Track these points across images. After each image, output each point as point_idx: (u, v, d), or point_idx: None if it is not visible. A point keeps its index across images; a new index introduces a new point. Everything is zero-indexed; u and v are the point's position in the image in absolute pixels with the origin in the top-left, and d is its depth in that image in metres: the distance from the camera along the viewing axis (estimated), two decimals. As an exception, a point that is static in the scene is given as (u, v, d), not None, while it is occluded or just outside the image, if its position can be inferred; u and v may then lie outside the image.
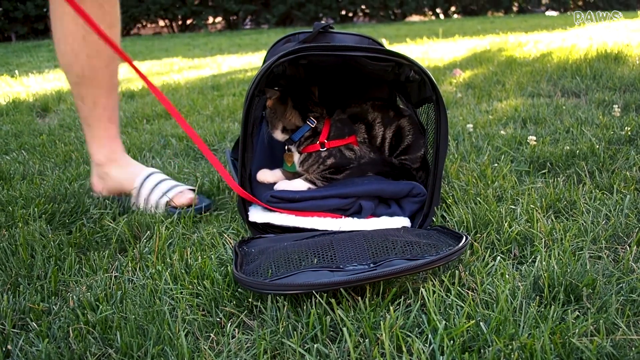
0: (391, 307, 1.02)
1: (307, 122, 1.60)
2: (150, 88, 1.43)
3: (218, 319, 1.07)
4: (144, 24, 14.30)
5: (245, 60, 6.38)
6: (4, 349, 0.99)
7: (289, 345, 0.96)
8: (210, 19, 15.09)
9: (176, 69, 5.80)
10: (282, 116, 1.60)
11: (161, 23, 14.62)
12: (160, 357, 0.95)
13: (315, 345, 0.94)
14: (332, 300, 1.03)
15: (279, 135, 1.63)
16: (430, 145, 1.58)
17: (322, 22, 1.59)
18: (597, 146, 1.87)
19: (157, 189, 1.66)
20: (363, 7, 15.98)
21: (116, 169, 1.71)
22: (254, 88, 1.40)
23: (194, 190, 1.69)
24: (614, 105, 2.45)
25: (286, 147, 1.67)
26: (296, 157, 1.65)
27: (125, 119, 3.05)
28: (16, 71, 5.91)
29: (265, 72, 1.39)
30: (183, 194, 1.65)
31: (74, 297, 1.14)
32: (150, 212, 1.62)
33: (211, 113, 3.14)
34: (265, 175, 1.68)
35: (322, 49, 1.38)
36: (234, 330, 1.03)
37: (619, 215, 1.38)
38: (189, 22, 14.40)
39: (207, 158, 1.44)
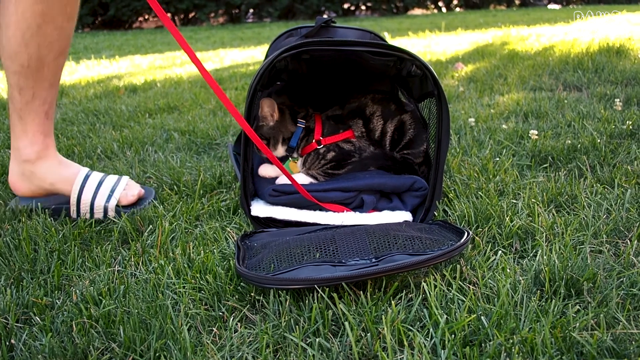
0: (392, 302, 1.02)
1: (298, 125, 1.62)
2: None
3: (220, 314, 1.07)
4: (146, 17, 14.29)
5: (248, 54, 6.37)
6: (7, 343, 1.00)
7: (291, 340, 0.96)
8: (213, 13, 15.06)
9: (178, 62, 5.80)
10: (284, 128, 1.61)
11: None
12: (163, 351, 0.95)
13: (317, 340, 0.95)
14: (334, 295, 1.04)
15: (280, 151, 1.64)
16: (432, 140, 1.58)
17: (325, 16, 1.61)
18: (599, 140, 1.87)
19: (100, 192, 1.60)
20: (365, 0, 15.95)
21: (45, 168, 1.60)
22: (257, 82, 1.40)
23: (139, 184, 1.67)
24: (615, 99, 2.45)
25: (290, 158, 1.68)
26: (299, 162, 1.66)
27: (127, 113, 3.05)
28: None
29: (267, 67, 1.39)
30: (128, 192, 1.62)
31: (77, 291, 1.14)
32: (96, 217, 1.59)
33: (213, 107, 3.14)
34: (267, 170, 1.68)
35: (324, 44, 1.38)
36: (237, 324, 1.04)
37: (620, 210, 1.38)
38: (191, 15, 14.38)
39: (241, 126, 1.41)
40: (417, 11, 16.17)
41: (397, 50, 1.40)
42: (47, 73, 1.52)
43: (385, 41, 1.58)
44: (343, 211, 1.49)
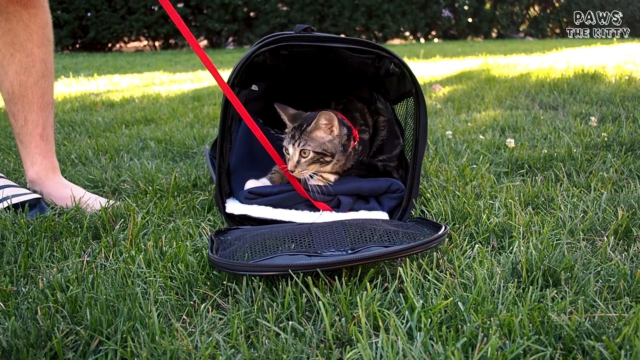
0: (368, 287, 1.00)
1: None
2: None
3: (192, 302, 1.04)
4: (127, 41, 14.26)
5: (226, 76, 6.36)
6: (-33, 327, 0.95)
7: (264, 324, 0.94)
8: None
9: (157, 82, 5.77)
10: None
11: (144, 41, 14.60)
12: (130, 333, 0.92)
13: (290, 323, 0.92)
14: (309, 279, 1.01)
15: None
16: (409, 141, 1.57)
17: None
18: (575, 150, 1.89)
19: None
20: (344, 31, 16.15)
21: (49, 188, 1.67)
22: (234, 77, 1.40)
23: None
24: (590, 117, 2.48)
25: None
26: None
27: (104, 124, 3.01)
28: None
29: (246, 61, 1.38)
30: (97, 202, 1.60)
31: (44, 279, 1.10)
32: None
33: (191, 120, 3.12)
34: (253, 185, 1.64)
35: (303, 39, 1.38)
36: (207, 311, 1.00)
37: (597, 210, 1.38)
38: (171, 41, 14.39)
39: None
40: (396, 41, 16.39)
41: (375, 47, 1.40)
42: (32, 97, 1.63)
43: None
44: (329, 210, 1.47)
